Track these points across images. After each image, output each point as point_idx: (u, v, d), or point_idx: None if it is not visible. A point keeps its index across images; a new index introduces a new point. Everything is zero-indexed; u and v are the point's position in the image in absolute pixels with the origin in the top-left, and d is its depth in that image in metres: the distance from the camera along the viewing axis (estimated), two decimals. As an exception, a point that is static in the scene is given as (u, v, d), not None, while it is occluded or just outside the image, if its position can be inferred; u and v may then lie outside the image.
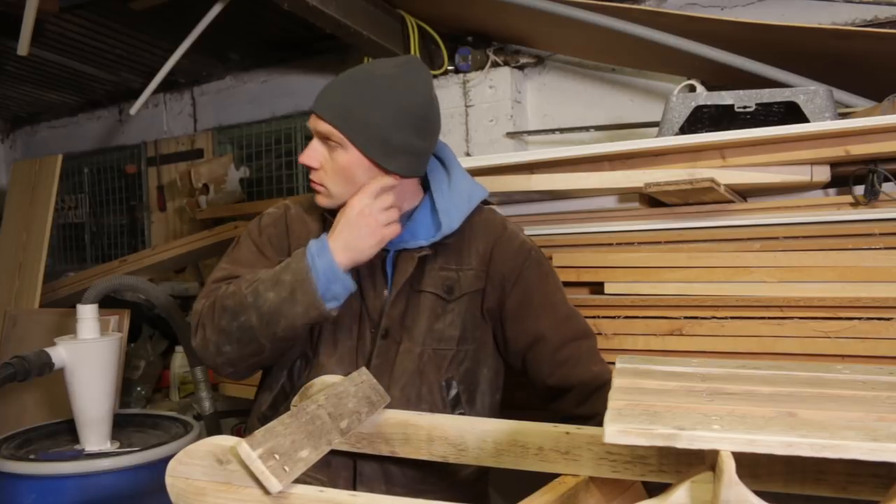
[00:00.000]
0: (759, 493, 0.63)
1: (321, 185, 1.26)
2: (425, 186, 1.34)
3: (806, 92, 1.62)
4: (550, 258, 1.69)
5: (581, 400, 1.27)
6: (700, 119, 1.75)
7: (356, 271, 1.24)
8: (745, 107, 1.66)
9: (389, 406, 1.13)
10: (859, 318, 1.39)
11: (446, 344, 1.28)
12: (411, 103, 1.22)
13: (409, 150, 1.23)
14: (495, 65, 2.82)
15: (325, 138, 1.22)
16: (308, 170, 1.27)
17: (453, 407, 1.27)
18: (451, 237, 1.29)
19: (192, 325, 1.26)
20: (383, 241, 1.21)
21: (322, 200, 1.27)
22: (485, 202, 1.38)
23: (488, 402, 1.33)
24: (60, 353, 1.78)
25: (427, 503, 0.76)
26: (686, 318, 1.52)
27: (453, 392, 1.27)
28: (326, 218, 1.31)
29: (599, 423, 0.69)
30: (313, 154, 1.24)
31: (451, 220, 1.27)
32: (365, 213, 1.18)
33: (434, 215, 1.29)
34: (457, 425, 1.03)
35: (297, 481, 0.81)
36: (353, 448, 1.08)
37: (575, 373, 1.28)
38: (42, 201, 2.98)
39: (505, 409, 1.36)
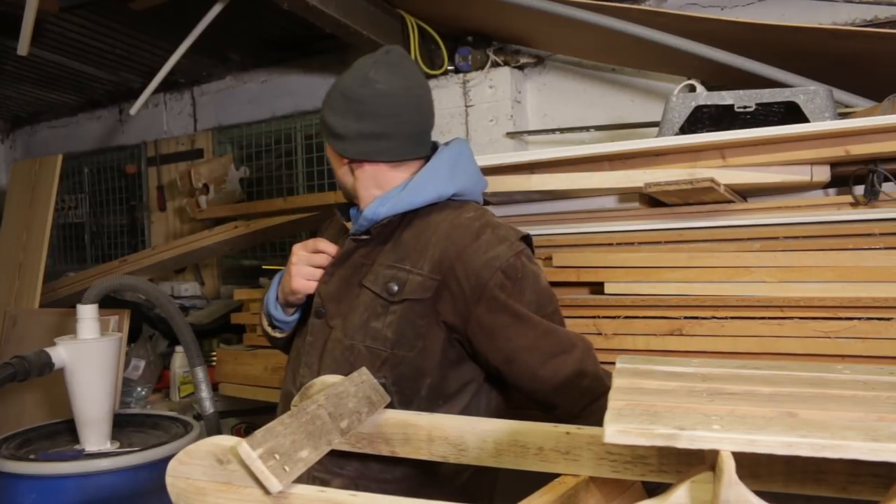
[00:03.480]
0: (759, 493, 0.63)
1: None
2: None
3: (806, 92, 1.62)
4: (550, 258, 1.69)
5: (574, 415, 1.19)
6: (700, 119, 1.75)
7: None
8: (745, 107, 1.66)
9: None
10: (859, 318, 1.38)
11: (381, 344, 1.24)
12: (346, 87, 1.30)
13: (350, 133, 1.29)
14: (495, 65, 2.82)
15: None
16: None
17: None
18: (404, 231, 1.28)
19: None
20: (297, 292, 1.33)
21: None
22: (478, 203, 1.36)
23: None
24: (60, 353, 1.78)
25: (428, 503, 0.76)
26: (686, 318, 1.52)
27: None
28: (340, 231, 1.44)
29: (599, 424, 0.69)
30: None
31: (376, 211, 1.26)
32: (293, 262, 1.33)
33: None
34: (457, 425, 1.03)
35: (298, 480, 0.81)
36: (353, 448, 1.08)
37: (562, 391, 1.21)
38: (42, 201, 2.98)
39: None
